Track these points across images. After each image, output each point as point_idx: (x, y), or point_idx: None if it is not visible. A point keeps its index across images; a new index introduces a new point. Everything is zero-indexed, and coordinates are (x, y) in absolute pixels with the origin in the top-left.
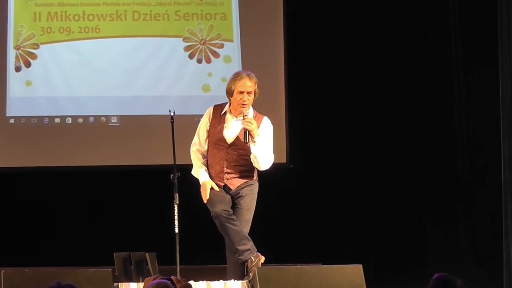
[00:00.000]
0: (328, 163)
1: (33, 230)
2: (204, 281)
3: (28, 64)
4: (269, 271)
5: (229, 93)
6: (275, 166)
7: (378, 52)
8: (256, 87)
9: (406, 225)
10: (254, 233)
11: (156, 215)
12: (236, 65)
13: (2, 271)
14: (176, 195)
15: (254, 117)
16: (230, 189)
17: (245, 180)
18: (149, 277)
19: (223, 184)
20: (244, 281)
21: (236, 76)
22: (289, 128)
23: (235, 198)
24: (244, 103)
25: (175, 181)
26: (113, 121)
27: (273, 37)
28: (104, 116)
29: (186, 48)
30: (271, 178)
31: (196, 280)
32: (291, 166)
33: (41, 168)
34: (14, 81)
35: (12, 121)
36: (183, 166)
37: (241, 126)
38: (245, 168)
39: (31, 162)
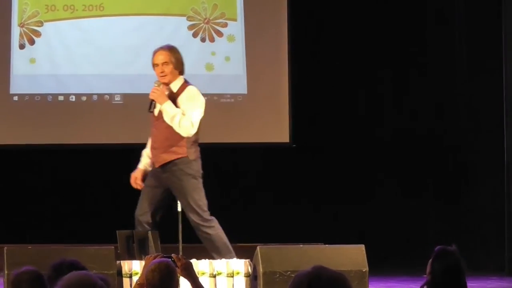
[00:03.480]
0: (331, 143)
1: (35, 207)
2: (207, 260)
3: (32, 42)
4: (271, 251)
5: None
6: (277, 145)
7: (382, 32)
8: (171, 55)
9: (408, 205)
10: (256, 213)
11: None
12: (239, 44)
13: (5, 248)
14: None
15: (180, 87)
16: (155, 166)
17: (170, 158)
18: (149, 255)
19: (153, 160)
20: (246, 260)
21: (154, 50)
22: (292, 108)
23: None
24: (161, 74)
25: None
26: (116, 99)
27: (277, 17)
28: (107, 94)
29: (190, 27)
30: (274, 157)
31: (198, 258)
32: (294, 145)
33: (44, 146)
34: (18, 58)
35: (15, 98)
36: None
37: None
38: (169, 143)
39: (34, 140)
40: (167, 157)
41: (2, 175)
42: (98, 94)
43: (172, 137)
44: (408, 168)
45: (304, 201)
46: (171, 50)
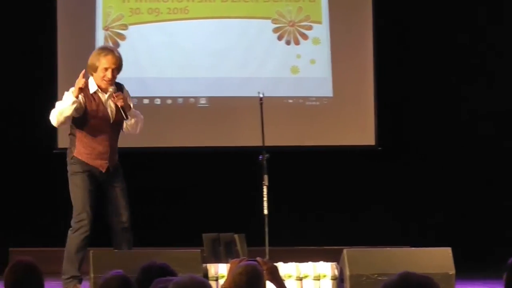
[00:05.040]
0: (416, 145)
1: None
2: (293, 263)
3: (116, 45)
4: (357, 254)
5: (93, 68)
6: (363, 148)
7: (468, 34)
8: (121, 61)
9: (496, 206)
10: (342, 216)
11: (245, 197)
12: (325, 47)
13: (91, 251)
14: (265, 177)
15: (117, 86)
16: (109, 170)
17: (117, 159)
18: (234, 259)
19: (107, 165)
20: (333, 263)
21: (101, 52)
22: (378, 111)
23: (111, 180)
24: (110, 80)
25: (264, 162)
26: (202, 102)
27: (362, 19)
28: (193, 97)
29: (275, 30)
30: (359, 160)
31: (285, 261)
32: (380, 148)
33: (129, 149)
34: None
35: None
36: (272, 148)
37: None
38: (117, 144)
39: (119, 143)
40: (117, 158)
41: None
42: (184, 97)
43: (117, 138)
44: (493, 170)
45: (390, 203)
46: (120, 55)
